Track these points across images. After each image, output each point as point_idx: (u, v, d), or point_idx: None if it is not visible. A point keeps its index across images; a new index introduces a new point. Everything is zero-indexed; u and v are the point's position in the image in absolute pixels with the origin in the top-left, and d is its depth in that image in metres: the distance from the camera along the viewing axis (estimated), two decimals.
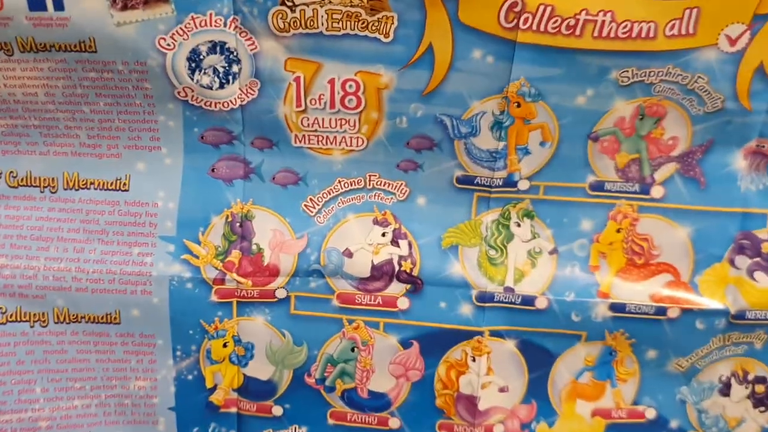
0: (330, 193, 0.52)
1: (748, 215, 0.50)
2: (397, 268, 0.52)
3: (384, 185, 0.52)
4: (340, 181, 0.51)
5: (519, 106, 0.48)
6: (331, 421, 0.55)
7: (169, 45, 0.46)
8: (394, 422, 0.55)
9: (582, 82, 0.47)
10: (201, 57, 0.47)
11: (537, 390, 0.54)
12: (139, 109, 0.49)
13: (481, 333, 0.52)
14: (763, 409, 0.54)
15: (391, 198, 0.52)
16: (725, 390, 0.54)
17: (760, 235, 0.50)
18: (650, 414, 0.54)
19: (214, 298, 0.51)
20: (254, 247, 0.52)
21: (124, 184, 0.51)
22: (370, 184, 0.52)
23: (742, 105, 0.47)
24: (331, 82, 0.48)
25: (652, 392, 0.54)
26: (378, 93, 0.48)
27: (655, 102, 0.48)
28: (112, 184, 0.51)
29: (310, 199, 0.52)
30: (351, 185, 0.52)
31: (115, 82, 0.48)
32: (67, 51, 0.46)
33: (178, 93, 0.48)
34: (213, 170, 0.51)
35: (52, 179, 0.51)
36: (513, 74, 0.46)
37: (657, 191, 0.50)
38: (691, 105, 0.48)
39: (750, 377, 0.54)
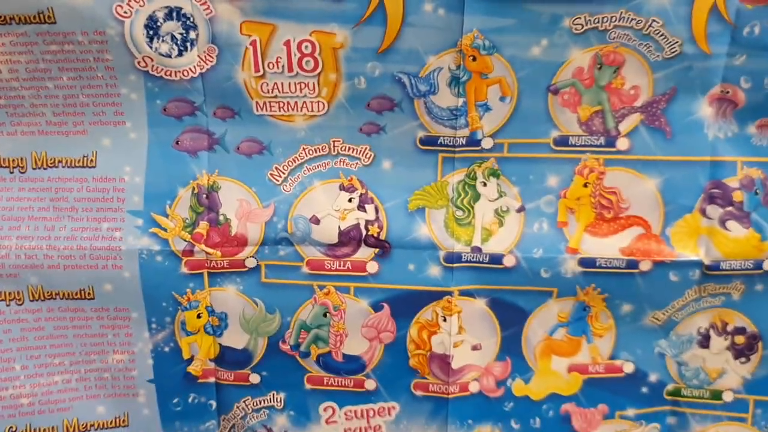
0: (295, 161, 0.52)
1: (717, 164, 0.49)
2: (364, 232, 0.52)
3: (348, 150, 0.51)
4: (304, 149, 0.51)
5: (475, 59, 0.47)
6: (308, 386, 0.55)
7: (126, 12, 0.46)
8: (370, 384, 0.55)
9: (535, 32, 0.46)
10: (158, 24, 0.47)
11: (511, 347, 0.54)
12: (101, 82, 0.49)
13: (450, 293, 0.52)
14: (744, 360, 0.54)
15: (356, 163, 0.52)
16: (704, 342, 0.54)
17: (730, 183, 0.50)
18: (628, 368, 0.54)
19: (184, 269, 0.52)
20: (221, 217, 0.52)
21: (91, 160, 0.51)
22: (334, 150, 0.51)
23: (701, 48, 0.46)
24: (287, 43, 0.47)
25: (629, 346, 0.54)
26: (334, 53, 0.47)
27: (612, 49, 0.47)
28: (79, 161, 0.51)
29: (276, 168, 0.52)
30: (315, 152, 0.51)
31: (76, 55, 0.47)
32: (27, 23, 0.46)
33: (138, 63, 0.48)
34: (177, 143, 0.51)
35: (21, 159, 0.51)
36: (465, 26, 0.46)
37: (622, 143, 0.50)
38: (649, 51, 0.47)
39: (729, 328, 0.54)
